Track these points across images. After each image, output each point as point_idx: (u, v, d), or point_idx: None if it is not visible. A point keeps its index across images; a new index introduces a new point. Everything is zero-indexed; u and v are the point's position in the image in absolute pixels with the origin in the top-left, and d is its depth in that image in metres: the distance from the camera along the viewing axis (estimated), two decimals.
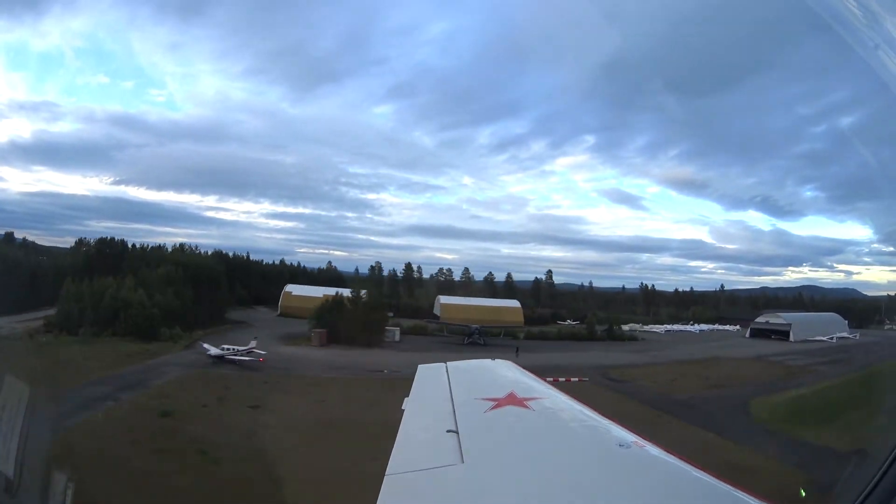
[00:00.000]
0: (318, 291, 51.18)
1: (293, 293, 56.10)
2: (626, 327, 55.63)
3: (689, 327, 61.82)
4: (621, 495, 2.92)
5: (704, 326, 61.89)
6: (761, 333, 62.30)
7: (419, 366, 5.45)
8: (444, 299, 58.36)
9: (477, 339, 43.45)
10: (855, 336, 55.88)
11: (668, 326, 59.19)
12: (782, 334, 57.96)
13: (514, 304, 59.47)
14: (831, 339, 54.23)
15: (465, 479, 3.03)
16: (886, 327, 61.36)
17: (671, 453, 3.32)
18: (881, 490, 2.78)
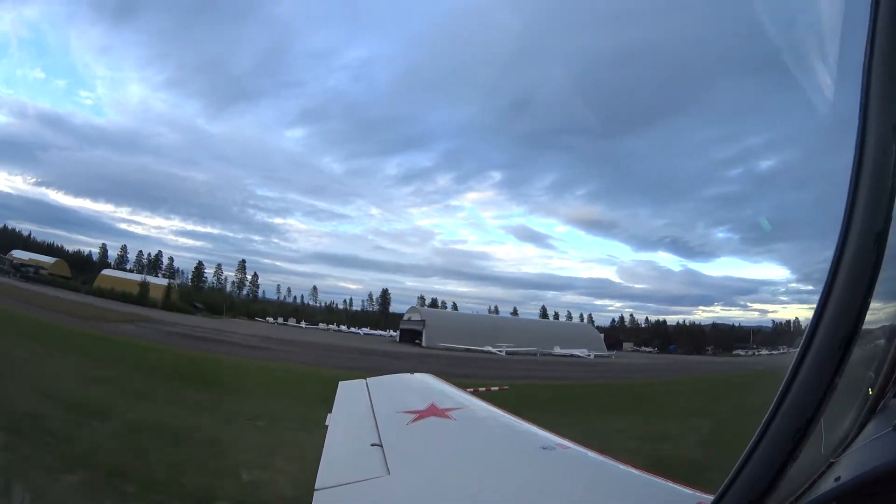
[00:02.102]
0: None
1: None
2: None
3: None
4: (547, 495, 3.05)
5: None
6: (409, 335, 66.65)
7: (340, 382, 5.37)
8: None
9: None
10: (611, 354, 63.33)
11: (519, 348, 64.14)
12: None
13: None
14: (589, 355, 60.49)
15: (392, 490, 3.06)
16: (738, 352, 69.46)
17: (597, 453, 3.48)
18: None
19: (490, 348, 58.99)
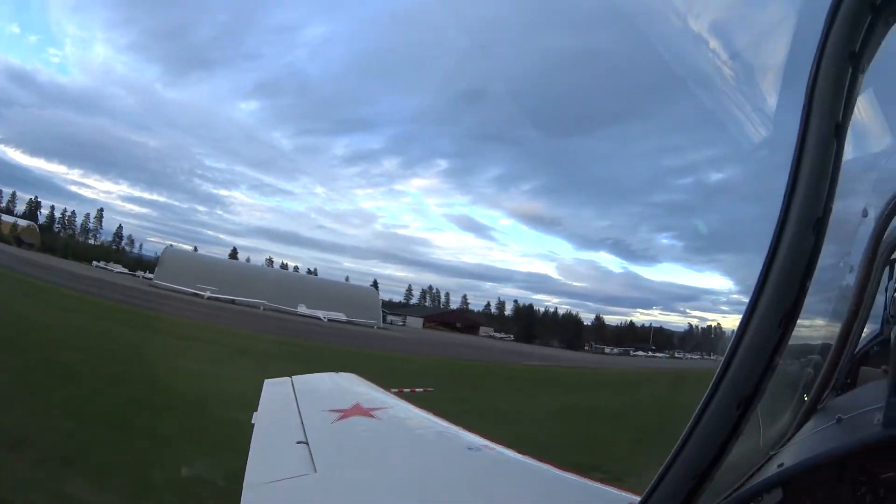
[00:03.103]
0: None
1: None
2: None
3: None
4: (473, 493, 3.17)
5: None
6: None
7: (265, 380, 5.21)
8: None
9: None
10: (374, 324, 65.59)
11: None
12: None
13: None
14: (323, 318, 60.34)
15: (319, 487, 3.06)
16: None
17: (525, 455, 3.62)
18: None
19: (209, 293, 59.55)
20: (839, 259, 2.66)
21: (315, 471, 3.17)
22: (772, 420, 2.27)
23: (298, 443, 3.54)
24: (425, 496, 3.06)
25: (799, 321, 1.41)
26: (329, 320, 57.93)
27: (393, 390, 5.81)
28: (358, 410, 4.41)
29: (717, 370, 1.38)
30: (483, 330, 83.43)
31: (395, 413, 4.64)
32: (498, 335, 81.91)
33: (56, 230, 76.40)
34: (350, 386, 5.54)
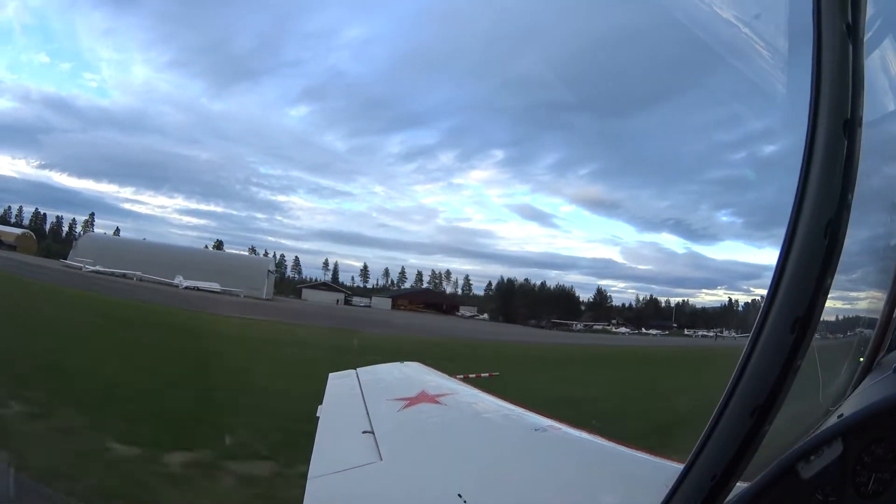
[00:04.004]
0: None
1: None
2: None
3: None
4: (543, 475, 3.11)
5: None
6: None
7: (329, 374, 5.45)
8: None
9: None
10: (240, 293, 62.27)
11: None
12: None
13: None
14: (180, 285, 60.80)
15: (385, 475, 3.11)
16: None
17: (590, 433, 3.57)
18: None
19: (88, 266, 61.14)
20: (886, 225, 2.71)
21: (381, 459, 3.25)
22: (831, 378, 2.24)
23: (364, 433, 3.64)
24: (491, 478, 3.05)
25: (851, 283, 1.36)
26: (186, 288, 59.44)
27: (459, 376, 5.86)
28: (424, 398, 4.49)
29: (731, 377, 1.37)
30: (468, 310, 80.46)
31: (462, 398, 4.66)
32: (467, 314, 78.78)
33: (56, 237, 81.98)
34: (416, 374, 5.64)
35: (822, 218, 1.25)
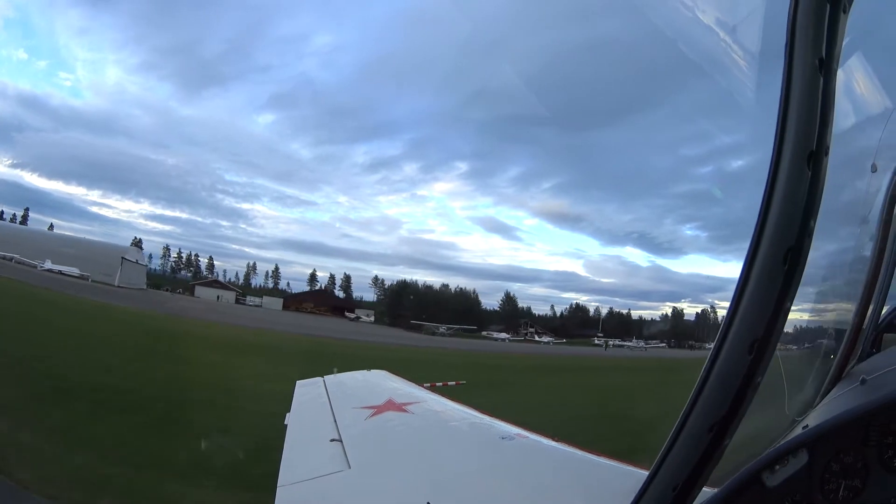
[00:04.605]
0: None
1: None
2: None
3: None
4: (508, 481, 3.15)
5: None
6: None
7: (297, 382, 5.35)
8: None
9: None
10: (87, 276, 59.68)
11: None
12: None
13: None
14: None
15: (353, 484, 3.08)
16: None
17: (558, 441, 3.63)
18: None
19: None
20: (855, 238, 2.74)
21: (349, 467, 3.21)
22: (798, 389, 2.26)
23: (332, 441, 3.60)
24: (460, 487, 3.06)
25: (820, 296, 1.40)
26: (47, 270, 57.34)
27: (425, 385, 5.85)
28: (391, 406, 4.46)
29: (691, 394, 1.39)
30: (364, 313, 78.16)
31: (429, 407, 4.66)
32: (351, 315, 76.98)
33: None
34: (382, 382, 5.59)
35: (783, 245, 1.27)
